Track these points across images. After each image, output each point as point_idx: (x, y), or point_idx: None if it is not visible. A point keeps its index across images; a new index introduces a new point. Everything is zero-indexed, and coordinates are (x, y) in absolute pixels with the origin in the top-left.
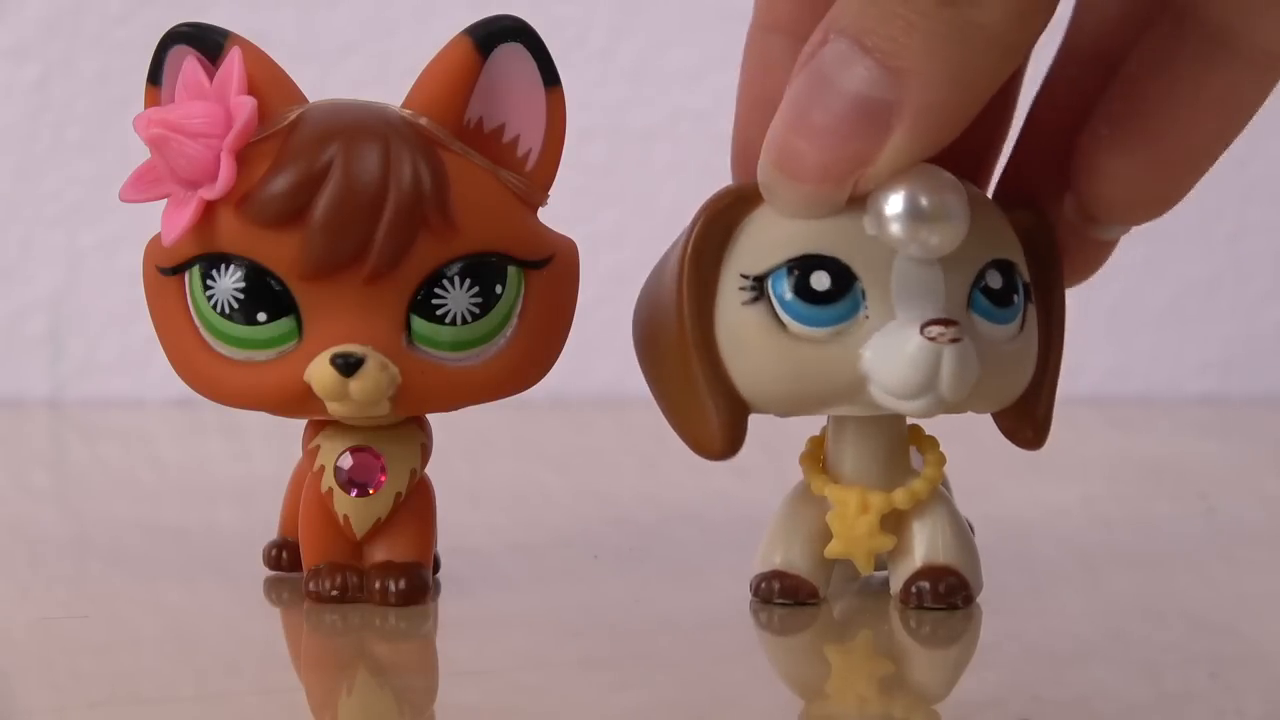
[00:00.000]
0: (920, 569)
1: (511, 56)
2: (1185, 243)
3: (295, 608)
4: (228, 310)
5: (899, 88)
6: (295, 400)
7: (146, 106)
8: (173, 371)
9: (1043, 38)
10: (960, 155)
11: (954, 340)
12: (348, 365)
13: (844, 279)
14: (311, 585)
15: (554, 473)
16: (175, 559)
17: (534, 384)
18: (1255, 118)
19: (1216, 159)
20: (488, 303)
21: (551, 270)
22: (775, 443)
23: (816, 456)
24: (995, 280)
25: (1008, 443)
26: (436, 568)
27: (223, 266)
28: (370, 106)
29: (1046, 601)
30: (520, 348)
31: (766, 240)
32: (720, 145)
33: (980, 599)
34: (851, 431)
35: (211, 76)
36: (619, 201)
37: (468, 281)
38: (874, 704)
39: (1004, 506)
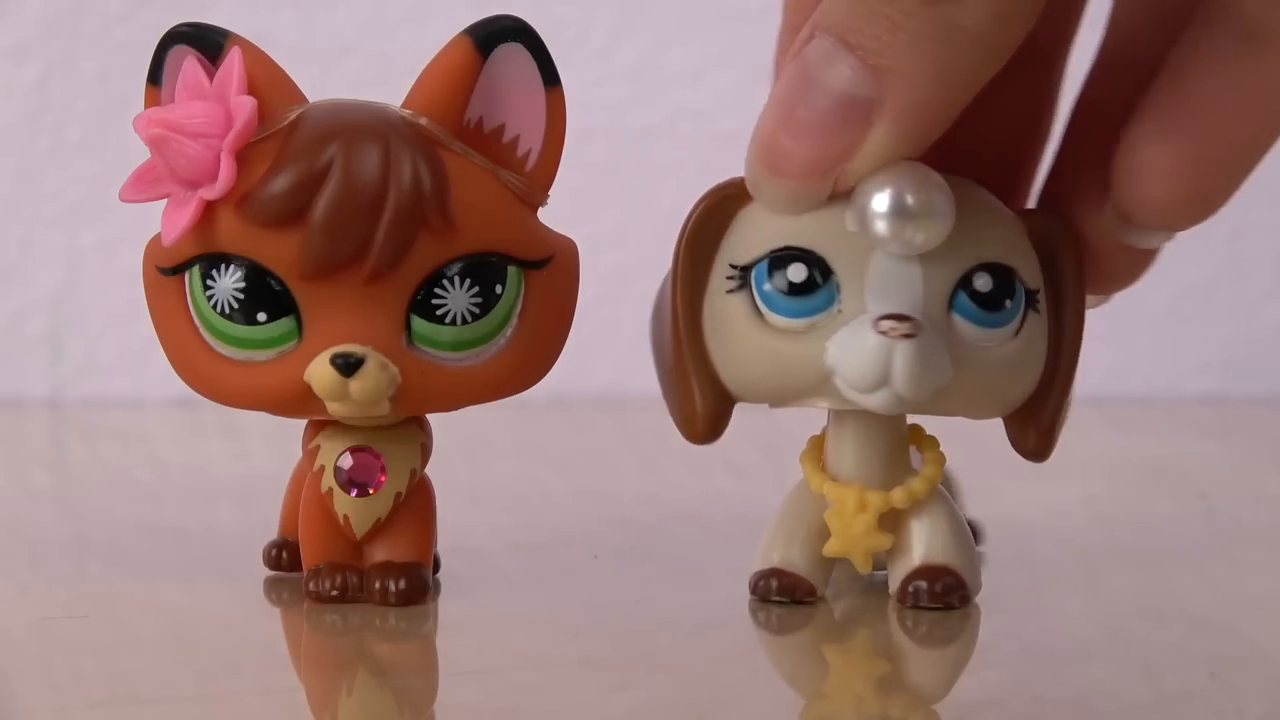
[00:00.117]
0: (918, 568)
1: (511, 56)
2: (1184, 243)
3: (295, 608)
4: (228, 310)
5: (881, 86)
6: (295, 400)
7: (146, 106)
8: (173, 371)
9: (1082, 42)
10: (999, 162)
11: (906, 336)
12: (348, 365)
13: (820, 272)
14: (311, 585)
15: (554, 473)
16: (175, 559)
17: (534, 384)
18: None
19: (1262, 155)
20: (488, 303)
21: (551, 270)
22: (775, 443)
23: (817, 454)
24: (984, 283)
25: (1008, 443)
26: (436, 568)
27: (223, 266)
28: (370, 106)
29: (1046, 601)
30: (520, 348)
31: (755, 233)
32: (720, 145)
33: (980, 599)
34: (851, 430)
35: (211, 76)
36: (619, 201)
37: (468, 281)
38: (871, 703)
39: (1004, 506)
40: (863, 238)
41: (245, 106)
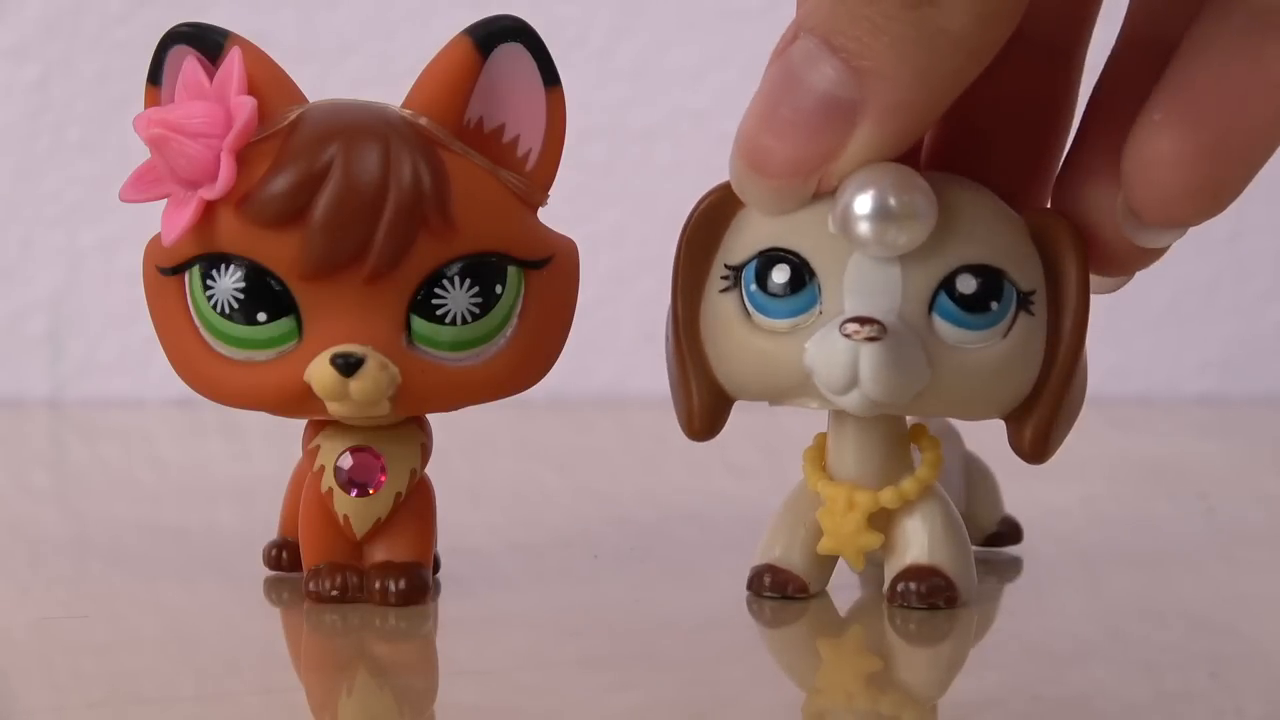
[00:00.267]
0: (907, 568)
1: (511, 56)
2: (1184, 243)
3: (295, 608)
4: (228, 310)
5: (864, 87)
6: (295, 400)
7: (146, 106)
8: (173, 371)
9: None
10: (1017, 156)
11: (870, 339)
12: (348, 365)
13: (803, 274)
14: (311, 585)
15: (554, 473)
16: (175, 559)
17: (534, 384)
18: None
19: (1274, 147)
20: (488, 303)
21: (551, 270)
22: (775, 443)
23: (819, 452)
24: (968, 285)
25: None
26: (436, 568)
27: (223, 266)
28: (370, 106)
29: (1046, 601)
30: (520, 348)
31: (747, 234)
32: (720, 145)
33: (980, 599)
34: (851, 429)
35: (211, 76)
36: (619, 201)
37: (468, 281)
38: (861, 699)
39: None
40: (843, 239)
41: (245, 106)
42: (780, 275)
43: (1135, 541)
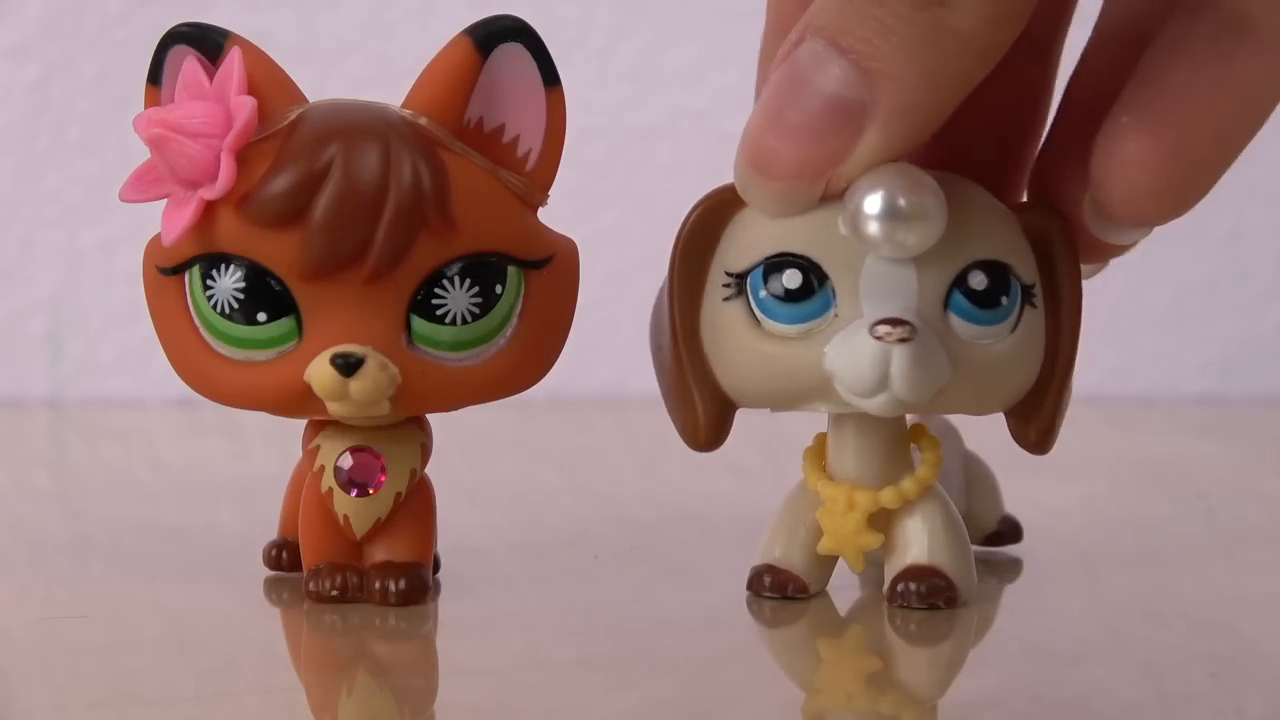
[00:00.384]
0: (907, 568)
1: (511, 56)
2: (1185, 243)
3: (295, 608)
4: (228, 310)
5: (873, 88)
6: (295, 400)
7: (146, 106)
8: (173, 371)
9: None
10: (994, 153)
11: (902, 340)
12: (348, 365)
13: (815, 278)
14: (311, 585)
15: (554, 473)
16: (175, 559)
17: (534, 384)
18: None
19: (1239, 150)
20: (488, 303)
21: (551, 270)
22: (775, 443)
23: (819, 452)
24: (979, 281)
25: (1008, 442)
26: (436, 568)
27: (223, 266)
28: (370, 106)
29: (1046, 601)
30: (520, 348)
31: (749, 238)
32: (720, 145)
33: (980, 599)
34: (851, 429)
35: (211, 76)
36: (619, 201)
37: (468, 281)
38: (861, 699)
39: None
40: (856, 241)
41: (245, 106)
42: (792, 280)
43: (1135, 541)
